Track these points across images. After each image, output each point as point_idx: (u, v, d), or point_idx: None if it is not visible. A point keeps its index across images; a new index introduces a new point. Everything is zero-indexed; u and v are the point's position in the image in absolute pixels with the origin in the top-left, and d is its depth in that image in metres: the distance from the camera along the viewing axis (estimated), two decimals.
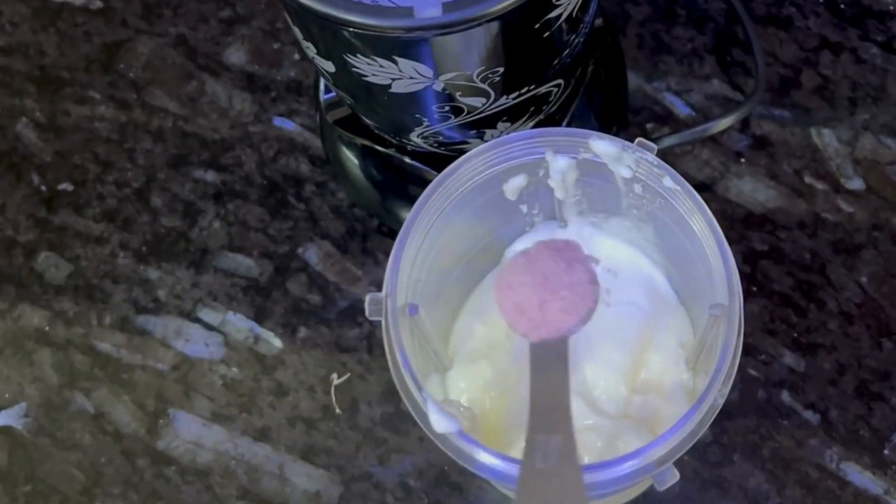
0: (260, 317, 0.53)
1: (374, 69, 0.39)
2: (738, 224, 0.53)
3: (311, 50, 0.41)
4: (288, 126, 0.57)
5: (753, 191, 0.54)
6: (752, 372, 0.50)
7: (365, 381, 0.51)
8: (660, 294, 0.46)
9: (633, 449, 0.36)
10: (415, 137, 0.45)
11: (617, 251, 0.46)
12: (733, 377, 0.37)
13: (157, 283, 0.54)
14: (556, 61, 0.42)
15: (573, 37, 0.42)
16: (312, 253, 0.54)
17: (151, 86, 0.59)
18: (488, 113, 0.43)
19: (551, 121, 0.48)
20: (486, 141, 0.42)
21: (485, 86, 0.40)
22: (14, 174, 0.57)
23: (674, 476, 0.36)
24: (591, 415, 0.42)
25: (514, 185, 0.43)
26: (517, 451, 0.36)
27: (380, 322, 0.39)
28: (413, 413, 0.37)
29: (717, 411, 0.36)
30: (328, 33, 0.38)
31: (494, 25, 0.37)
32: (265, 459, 0.50)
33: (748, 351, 0.50)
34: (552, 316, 0.38)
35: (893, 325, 0.51)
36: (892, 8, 0.57)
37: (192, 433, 0.51)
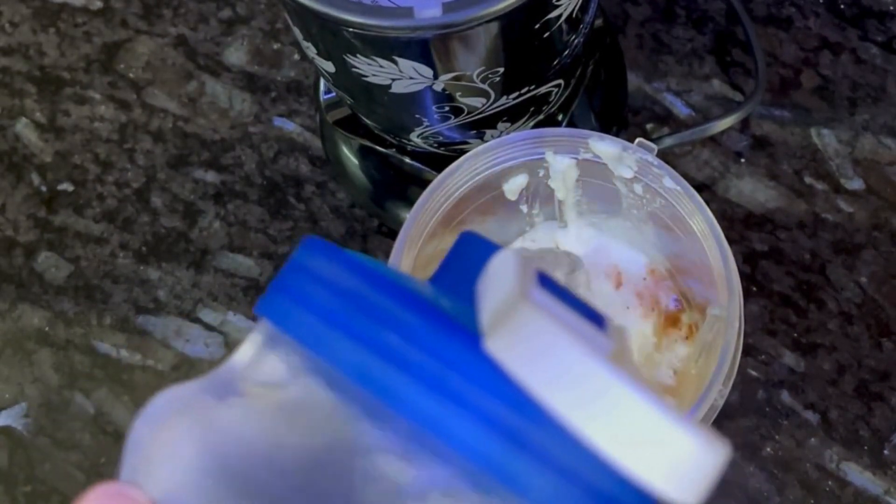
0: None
1: (374, 69, 0.39)
2: (738, 224, 0.53)
3: (311, 50, 0.41)
4: (288, 126, 0.57)
5: (753, 191, 0.54)
6: (752, 372, 0.50)
7: None
8: None
9: None
10: (415, 137, 0.45)
11: (617, 251, 0.46)
12: (733, 377, 0.37)
13: (157, 284, 0.54)
14: (556, 62, 0.42)
15: (573, 37, 0.42)
16: None
17: (151, 86, 0.59)
18: (488, 113, 0.43)
19: (551, 121, 0.48)
20: (486, 141, 0.42)
21: (485, 86, 0.40)
22: (14, 174, 0.57)
23: None
24: None
25: (514, 186, 0.43)
26: None
27: None
28: None
29: (717, 411, 0.36)
30: (328, 33, 0.38)
31: (494, 26, 0.37)
32: None
33: (748, 351, 0.50)
34: None
35: (893, 325, 0.51)
36: (892, 8, 0.57)
37: None
